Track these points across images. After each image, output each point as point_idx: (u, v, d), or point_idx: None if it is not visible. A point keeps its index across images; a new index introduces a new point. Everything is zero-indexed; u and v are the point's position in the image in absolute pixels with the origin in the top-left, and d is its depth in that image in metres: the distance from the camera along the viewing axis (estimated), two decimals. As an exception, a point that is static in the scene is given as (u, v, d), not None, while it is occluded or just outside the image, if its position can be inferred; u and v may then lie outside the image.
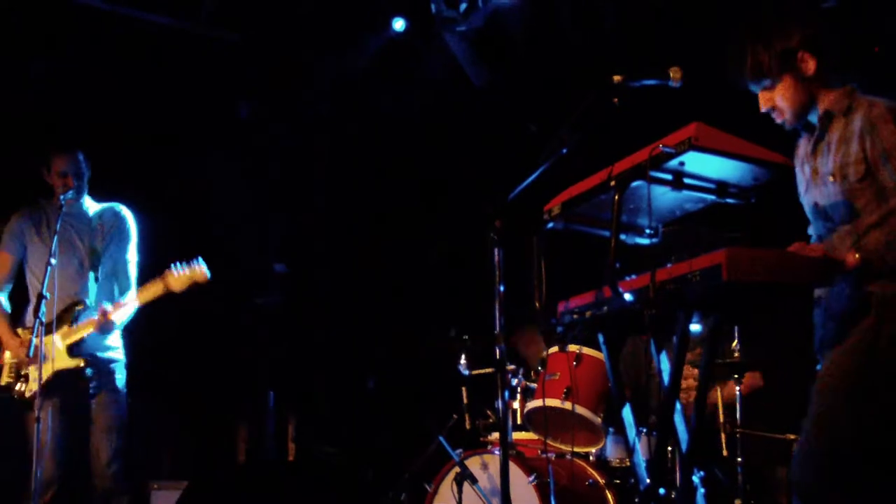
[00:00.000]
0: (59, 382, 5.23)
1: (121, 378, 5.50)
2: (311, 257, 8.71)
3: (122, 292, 5.55)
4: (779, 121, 3.48)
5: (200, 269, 5.37)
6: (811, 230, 3.59)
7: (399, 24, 7.82)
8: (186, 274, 5.33)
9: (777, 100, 3.43)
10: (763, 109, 3.48)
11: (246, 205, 8.17)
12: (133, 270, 5.65)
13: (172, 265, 5.35)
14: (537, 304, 3.42)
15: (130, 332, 5.61)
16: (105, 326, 5.33)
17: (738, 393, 5.24)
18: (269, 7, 7.58)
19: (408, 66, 7.94)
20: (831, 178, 3.35)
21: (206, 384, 7.86)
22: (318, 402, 8.45)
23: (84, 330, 5.32)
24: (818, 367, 3.47)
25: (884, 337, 3.17)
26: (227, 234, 7.94)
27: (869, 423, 3.17)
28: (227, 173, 7.97)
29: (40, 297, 4.96)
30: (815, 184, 3.44)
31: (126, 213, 5.72)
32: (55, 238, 5.10)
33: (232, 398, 8.16)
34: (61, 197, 5.33)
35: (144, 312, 5.54)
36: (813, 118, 3.47)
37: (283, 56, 7.97)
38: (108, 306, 5.34)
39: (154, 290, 5.35)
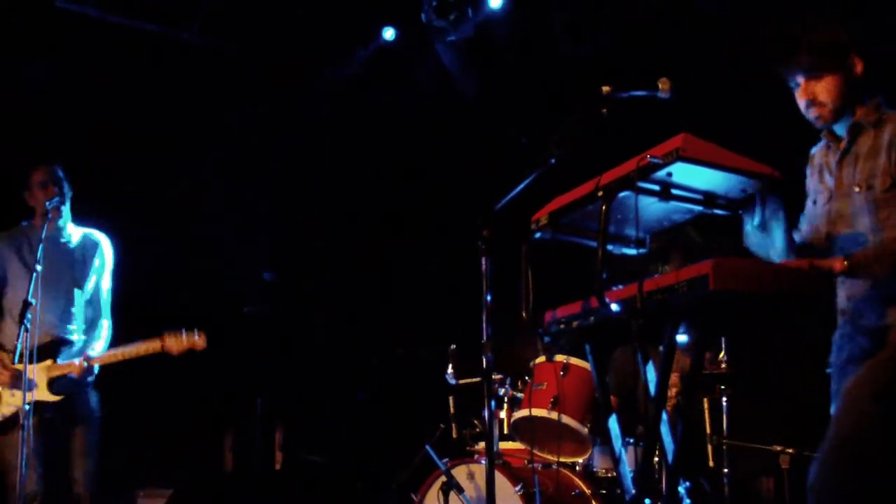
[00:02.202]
0: (37, 409, 5.23)
1: (94, 400, 5.52)
2: (300, 266, 8.70)
3: (96, 319, 5.61)
4: (813, 115, 3.47)
5: (200, 338, 5.50)
6: (801, 235, 3.59)
7: (389, 34, 7.84)
8: (185, 341, 5.45)
9: (820, 94, 3.42)
10: (801, 100, 3.47)
11: (234, 213, 8.16)
12: (107, 298, 5.71)
13: (172, 329, 5.45)
14: (524, 314, 3.42)
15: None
16: (85, 372, 5.38)
17: (724, 404, 5.26)
18: (261, 16, 7.58)
19: (397, 76, 7.96)
20: (857, 189, 3.37)
21: (193, 391, 7.84)
22: (306, 411, 8.43)
23: (66, 370, 5.34)
24: (836, 379, 3.50)
25: None
26: (216, 242, 7.92)
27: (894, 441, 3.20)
28: (216, 181, 7.97)
29: (26, 303, 4.94)
30: (840, 195, 3.46)
31: (105, 242, 5.76)
32: (41, 245, 5.08)
33: (219, 406, 8.13)
34: (46, 203, 5.32)
35: (135, 320, 5.55)
36: (839, 129, 3.48)
37: (273, 65, 7.97)
38: (91, 353, 5.41)
39: (148, 347, 5.44)
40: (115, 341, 5.60)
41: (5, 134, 6.84)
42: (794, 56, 3.42)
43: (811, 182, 3.64)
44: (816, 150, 3.65)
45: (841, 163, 3.47)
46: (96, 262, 5.67)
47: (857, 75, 3.40)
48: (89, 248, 5.67)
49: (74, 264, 5.57)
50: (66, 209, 5.59)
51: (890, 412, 3.21)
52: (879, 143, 3.35)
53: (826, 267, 3.24)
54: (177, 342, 5.43)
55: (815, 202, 3.60)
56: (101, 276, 5.68)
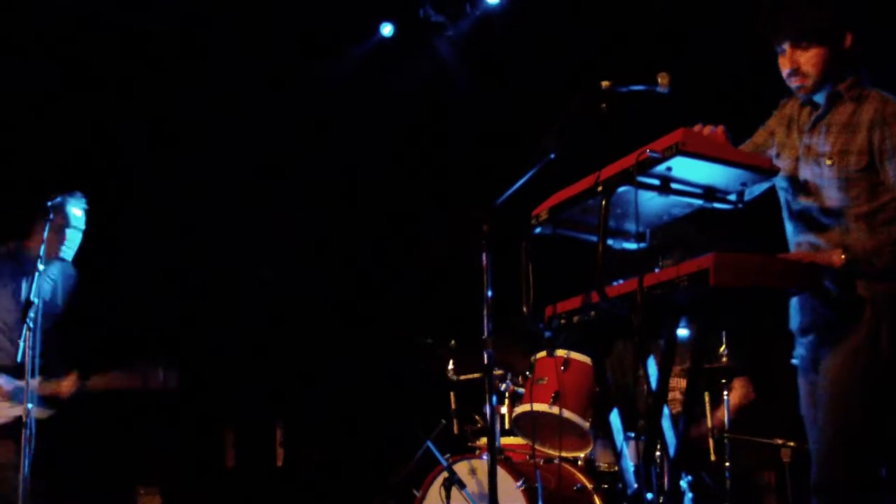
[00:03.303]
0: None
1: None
2: (299, 261, 8.70)
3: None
4: (795, 84, 3.44)
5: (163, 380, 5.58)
6: (786, 204, 3.58)
7: (387, 30, 7.84)
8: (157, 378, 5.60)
9: (804, 64, 3.39)
10: (785, 70, 3.44)
11: (233, 209, 8.16)
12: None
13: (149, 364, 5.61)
14: (525, 309, 3.41)
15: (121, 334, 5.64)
16: (75, 393, 5.45)
17: (725, 398, 5.26)
18: (257, 12, 7.58)
19: (395, 71, 7.95)
20: (828, 161, 3.35)
21: (194, 388, 7.84)
22: (307, 407, 8.44)
23: (54, 389, 5.38)
24: (801, 351, 3.51)
25: (883, 338, 3.23)
26: (213, 239, 7.93)
27: (885, 423, 3.23)
28: (217, 180, 7.96)
29: (28, 302, 4.94)
30: (807, 160, 3.45)
31: (73, 275, 5.76)
32: (42, 246, 5.08)
33: (220, 402, 8.14)
34: (43, 255, 5.25)
35: (136, 317, 5.56)
36: (819, 97, 3.46)
37: (270, 60, 7.97)
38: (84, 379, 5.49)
39: (119, 381, 5.58)
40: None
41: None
42: (784, 24, 3.39)
43: (780, 131, 3.61)
44: (788, 102, 3.63)
45: (813, 128, 3.46)
46: (68, 290, 5.71)
47: (845, 50, 3.38)
48: (65, 275, 5.69)
49: (55, 290, 5.61)
50: (66, 250, 5.58)
51: (877, 399, 3.22)
52: (858, 120, 3.34)
53: (825, 261, 3.25)
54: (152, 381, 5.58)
55: (778, 155, 3.58)
56: (64, 304, 5.71)
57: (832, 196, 3.36)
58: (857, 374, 3.24)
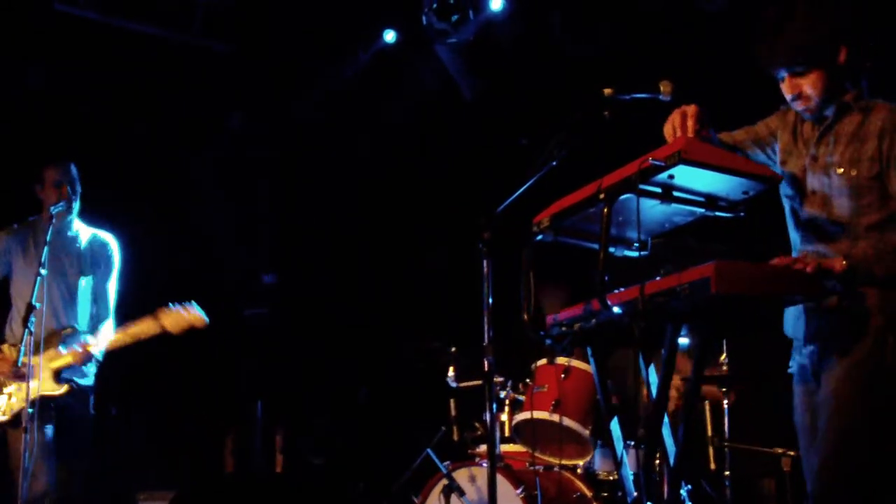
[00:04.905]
0: (43, 404, 5.21)
1: (90, 403, 5.53)
2: (300, 268, 8.71)
3: (101, 320, 5.58)
4: (800, 108, 3.45)
5: (197, 314, 5.40)
6: (792, 213, 3.57)
7: (390, 36, 7.85)
8: (183, 316, 5.35)
9: (805, 88, 3.38)
10: (788, 95, 3.44)
11: (234, 215, 8.16)
12: (112, 299, 5.69)
13: (168, 305, 5.38)
14: (526, 317, 3.41)
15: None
16: (86, 358, 5.36)
17: (725, 407, 5.26)
18: (262, 18, 7.60)
19: (399, 77, 7.96)
20: (839, 171, 3.35)
21: (194, 394, 7.84)
22: (307, 414, 8.43)
23: (68, 358, 5.33)
24: (800, 359, 3.50)
25: (890, 350, 3.21)
26: (216, 244, 7.93)
27: (889, 436, 3.20)
28: (216, 183, 7.97)
29: (30, 307, 4.93)
30: (814, 171, 3.44)
31: (113, 242, 5.76)
32: (45, 248, 5.07)
33: (219, 408, 8.13)
34: (51, 208, 5.31)
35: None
36: (826, 112, 3.45)
37: (274, 66, 7.98)
38: (90, 339, 5.39)
39: (146, 328, 5.38)
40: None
41: (11, 132, 6.87)
42: (778, 54, 3.39)
43: (784, 136, 3.59)
44: (790, 110, 3.59)
45: (821, 140, 3.45)
46: (103, 260, 5.67)
47: (841, 64, 3.36)
48: (97, 246, 5.67)
49: (81, 258, 5.59)
50: (75, 205, 5.61)
51: (880, 411, 3.21)
52: (867, 129, 3.34)
53: (826, 268, 3.24)
54: (175, 318, 5.36)
55: (784, 162, 3.57)
56: (108, 275, 5.67)
57: (842, 205, 3.35)
58: (860, 385, 3.23)
